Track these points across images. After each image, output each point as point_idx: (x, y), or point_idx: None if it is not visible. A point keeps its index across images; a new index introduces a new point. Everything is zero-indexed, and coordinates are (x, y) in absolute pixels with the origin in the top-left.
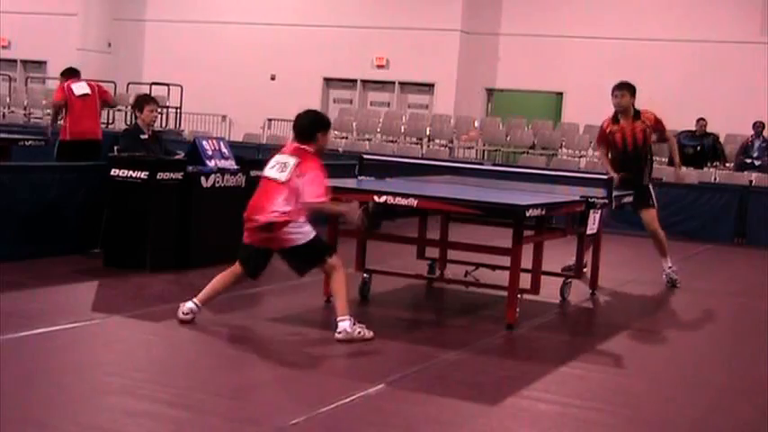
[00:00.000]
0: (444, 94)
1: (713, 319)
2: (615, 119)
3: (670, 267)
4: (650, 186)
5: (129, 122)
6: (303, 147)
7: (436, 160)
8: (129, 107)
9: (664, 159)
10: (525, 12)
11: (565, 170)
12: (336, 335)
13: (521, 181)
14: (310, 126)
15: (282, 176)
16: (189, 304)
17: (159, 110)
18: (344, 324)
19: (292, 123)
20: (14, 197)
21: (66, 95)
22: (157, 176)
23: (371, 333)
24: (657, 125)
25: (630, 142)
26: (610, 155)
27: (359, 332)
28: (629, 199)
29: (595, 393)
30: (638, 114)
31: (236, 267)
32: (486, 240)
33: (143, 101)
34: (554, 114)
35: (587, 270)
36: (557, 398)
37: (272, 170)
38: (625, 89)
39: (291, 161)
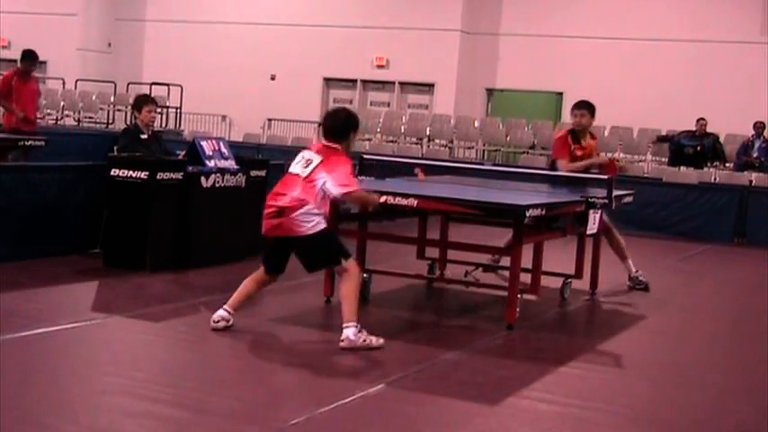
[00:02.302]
0: (444, 94)
1: (713, 319)
2: (574, 138)
3: (637, 271)
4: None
5: (128, 122)
6: (331, 145)
7: (436, 160)
8: (129, 107)
9: (664, 159)
10: (525, 12)
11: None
12: (340, 342)
13: (521, 181)
14: (343, 125)
15: (305, 172)
16: (220, 312)
17: (158, 110)
18: (348, 331)
19: (322, 121)
20: (14, 197)
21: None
22: (157, 176)
23: (381, 341)
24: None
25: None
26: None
27: (363, 340)
28: (628, 199)
29: (595, 393)
30: (591, 134)
31: (260, 272)
32: (486, 240)
33: (142, 101)
34: (554, 114)
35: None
36: (557, 398)
37: (297, 166)
38: (585, 108)
39: (316, 159)
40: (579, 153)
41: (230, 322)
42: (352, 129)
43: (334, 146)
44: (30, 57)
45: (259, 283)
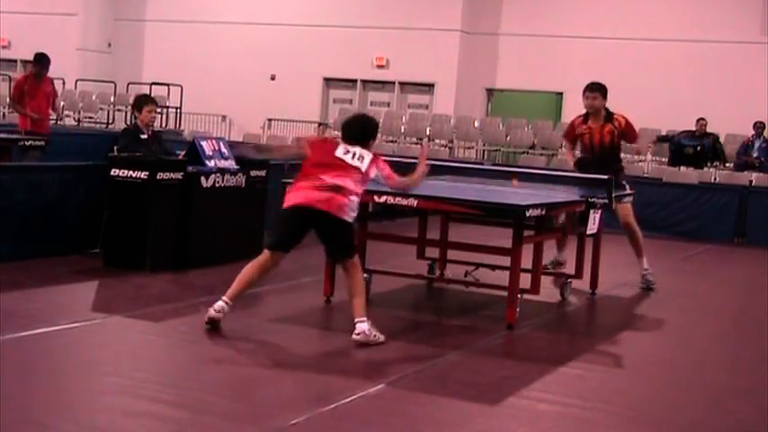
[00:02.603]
0: (444, 94)
1: (713, 320)
2: (585, 119)
3: (646, 270)
4: (624, 183)
5: (128, 122)
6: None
7: (436, 160)
8: (129, 107)
9: (664, 159)
10: (525, 12)
11: (565, 170)
12: (355, 336)
13: (520, 181)
14: (368, 131)
15: (362, 165)
16: (219, 302)
17: (158, 110)
18: (363, 326)
19: (344, 125)
20: (14, 197)
21: None
22: (157, 176)
23: (382, 337)
24: (628, 129)
25: (598, 145)
26: (579, 154)
27: (375, 335)
28: (629, 199)
29: (595, 393)
30: (609, 116)
31: (261, 256)
32: (486, 240)
33: (142, 101)
34: (554, 114)
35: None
36: (557, 398)
37: (347, 155)
38: (597, 91)
39: (367, 156)
40: (586, 136)
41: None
42: (373, 137)
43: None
44: (41, 60)
45: (262, 269)
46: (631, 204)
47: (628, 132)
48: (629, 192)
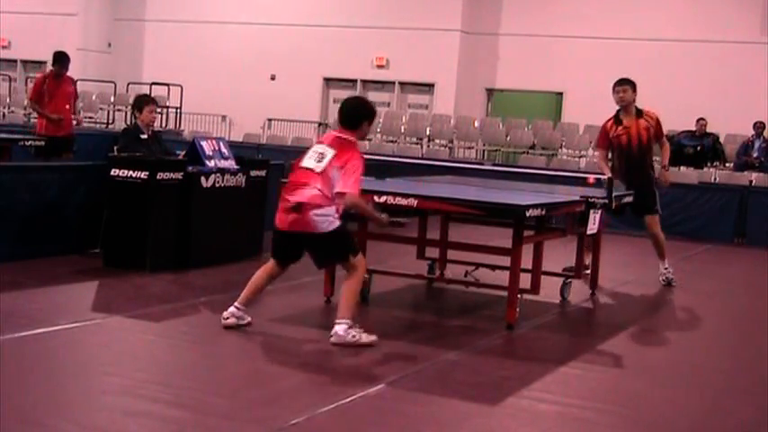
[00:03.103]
0: (444, 94)
1: (713, 320)
2: (617, 119)
3: (666, 269)
4: (657, 191)
5: (128, 122)
6: (344, 136)
7: (436, 160)
8: (129, 107)
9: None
10: (525, 12)
11: (565, 170)
12: (330, 337)
13: (521, 181)
14: (356, 113)
15: (319, 167)
16: (231, 308)
17: (158, 110)
18: (339, 327)
19: (338, 109)
20: (14, 197)
21: None
22: (157, 176)
23: (372, 338)
24: (659, 126)
25: (636, 143)
26: (613, 158)
27: (353, 336)
28: (628, 199)
29: (595, 393)
30: (640, 112)
31: (268, 263)
32: (486, 240)
33: (142, 101)
34: (554, 114)
35: (588, 271)
36: (557, 398)
37: (309, 160)
38: (627, 84)
39: (330, 152)
40: (623, 136)
41: (245, 320)
42: (365, 118)
43: (347, 137)
44: (59, 59)
45: (270, 275)
46: (657, 215)
47: (659, 129)
48: (629, 192)
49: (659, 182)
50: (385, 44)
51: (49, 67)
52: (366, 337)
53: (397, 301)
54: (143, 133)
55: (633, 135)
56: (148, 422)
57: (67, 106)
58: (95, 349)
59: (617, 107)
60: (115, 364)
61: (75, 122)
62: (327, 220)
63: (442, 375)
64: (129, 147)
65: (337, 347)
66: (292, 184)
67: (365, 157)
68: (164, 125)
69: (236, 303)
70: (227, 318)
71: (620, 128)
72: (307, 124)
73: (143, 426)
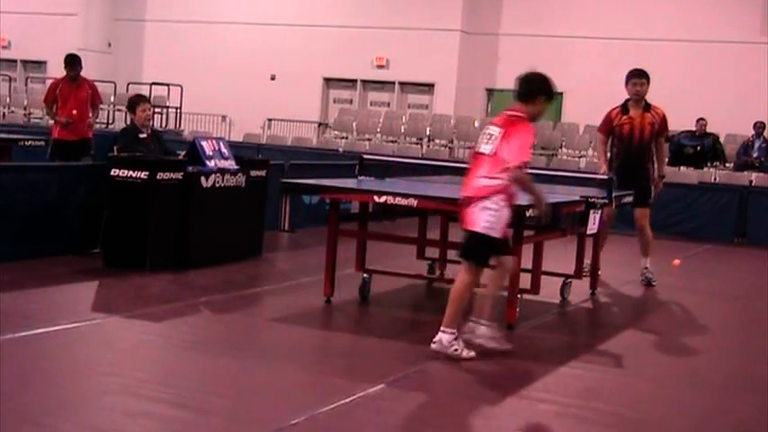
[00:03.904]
0: (444, 94)
1: (713, 319)
2: (624, 109)
3: (647, 268)
4: (652, 186)
5: (127, 123)
6: (514, 113)
7: (436, 160)
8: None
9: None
10: (525, 12)
11: (565, 170)
12: (432, 344)
13: None
14: (534, 85)
15: (488, 148)
16: (481, 329)
17: (158, 110)
18: (444, 336)
19: (516, 82)
20: (14, 197)
21: None
22: (157, 176)
23: (472, 353)
24: (664, 123)
25: (638, 136)
26: (613, 146)
27: (455, 349)
28: (628, 199)
29: (595, 393)
30: (648, 107)
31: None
32: None
33: (134, 101)
34: (554, 114)
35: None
36: (557, 398)
37: (482, 144)
38: (644, 78)
39: (497, 131)
40: (626, 126)
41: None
42: (542, 93)
43: (518, 113)
44: (67, 62)
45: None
46: (649, 209)
47: (664, 126)
48: (629, 192)
49: (653, 187)
50: (385, 44)
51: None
52: (466, 353)
53: (397, 301)
54: (141, 133)
55: (636, 127)
56: (148, 422)
57: (75, 111)
58: (95, 349)
59: (626, 98)
60: (115, 364)
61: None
62: (490, 221)
63: (442, 375)
64: (128, 147)
65: (339, 347)
66: (467, 175)
67: (366, 157)
68: (164, 125)
69: (472, 318)
70: (481, 336)
71: (625, 117)
72: (307, 124)
73: (143, 426)
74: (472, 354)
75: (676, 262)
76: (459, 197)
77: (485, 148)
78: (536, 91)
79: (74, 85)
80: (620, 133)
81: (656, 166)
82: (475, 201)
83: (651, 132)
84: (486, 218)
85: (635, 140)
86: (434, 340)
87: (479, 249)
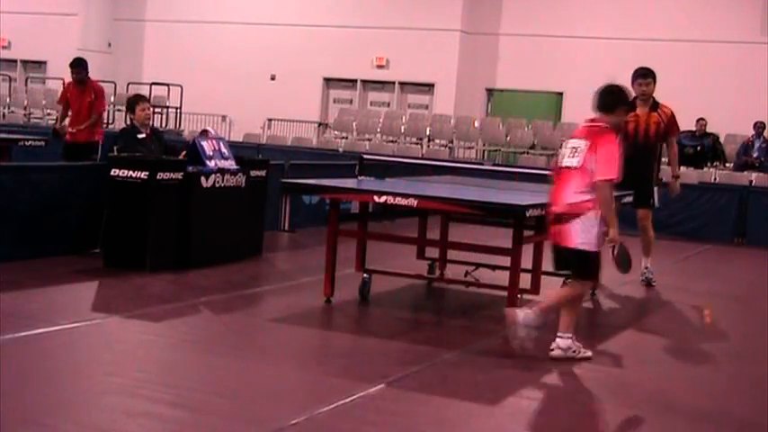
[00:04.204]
0: (444, 94)
1: (713, 319)
2: (631, 106)
3: (647, 268)
4: (655, 187)
5: (127, 123)
6: (595, 124)
7: (436, 160)
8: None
9: (664, 159)
10: (525, 12)
11: None
12: (550, 351)
13: (521, 181)
14: (613, 97)
15: (574, 162)
16: (563, 343)
17: (151, 108)
18: (562, 341)
19: (595, 95)
20: (14, 197)
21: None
22: (157, 176)
23: (588, 353)
24: (671, 122)
25: (643, 134)
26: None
27: (573, 351)
28: (628, 199)
29: (595, 393)
30: (655, 105)
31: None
32: (486, 240)
33: (133, 101)
34: (554, 114)
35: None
36: (557, 398)
37: (566, 158)
38: (650, 77)
39: (581, 143)
40: (631, 123)
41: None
42: (621, 104)
43: (599, 124)
44: (72, 64)
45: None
46: (650, 210)
47: (672, 125)
48: (629, 192)
49: (670, 188)
50: (385, 44)
51: None
52: (583, 352)
53: (397, 301)
54: (141, 133)
55: (641, 126)
56: (148, 422)
57: (69, 114)
58: (95, 349)
59: (635, 96)
60: (115, 364)
61: (84, 126)
62: (589, 237)
63: (442, 375)
64: (127, 147)
65: (338, 347)
66: (553, 192)
67: (366, 157)
68: (164, 125)
69: (560, 334)
70: (566, 349)
71: (631, 114)
72: (307, 124)
73: (143, 426)
74: (588, 353)
75: (707, 314)
76: (550, 213)
77: (570, 161)
78: (617, 101)
79: (81, 88)
80: (624, 130)
81: (659, 167)
82: (569, 218)
83: (657, 132)
84: (584, 233)
85: (639, 139)
86: (552, 347)
87: (586, 266)
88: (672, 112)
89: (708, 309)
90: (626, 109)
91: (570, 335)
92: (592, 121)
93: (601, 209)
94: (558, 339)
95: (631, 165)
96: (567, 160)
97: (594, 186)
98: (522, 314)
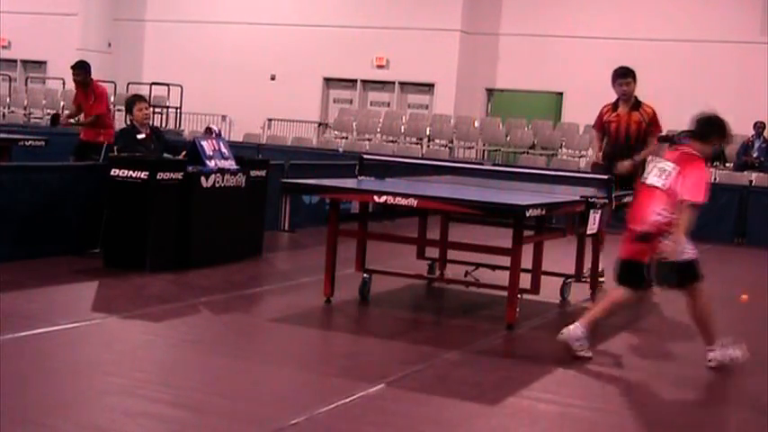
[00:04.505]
0: (444, 94)
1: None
2: (615, 106)
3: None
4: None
5: (127, 123)
6: (688, 150)
7: (436, 160)
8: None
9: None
10: (525, 12)
11: (565, 170)
12: (708, 362)
13: (521, 181)
14: (710, 126)
15: (661, 182)
16: (575, 331)
17: (149, 107)
18: (713, 354)
19: (693, 121)
20: (14, 197)
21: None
22: (157, 176)
23: (738, 352)
24: (654, 121)
25: (623, 134)
26: (605, 142)
27: (580, 345)
28: (629, 199)
29: (595, 393)
30: (637, 105)
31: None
32: (486, 240)
33: (131, 101)
34: (554, 114)
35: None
36: (556, 398)
37: (652, 177)
38: (630, 77)
39: (671, 166)
40: (614, 124)
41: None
42: (717, 134)
43: (691, 150)
44: (74, 66)
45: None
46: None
47: (653, 124)
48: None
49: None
50: (385, 44)
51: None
52: (584, 352)
53: (397, 301)
54: (140, 132)
55: (622, 125)
56: (148, 422)
57: (77, 116)
58: (95, 349)
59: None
60: (115, 364)
61: (74, 125)
62: (680, 244)
63: (442, 375)
64: (127, 147)
65: (338, 347)
66: (637, 207)
67: (366, 157)
68: (164, 125)
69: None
70: (578, 341)
71: (613, 114)
72: (307, 124)
73: (143, 426)
74: (589, 354)
75: (744, 298)
76: (632, 231)
77: (657, 181)
78: (712, 133)
79: (84, 90)
80: (608, 130)
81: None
82: (654, 236)
83: (638, 131)
84: (679, 245)
85: (621, 138)
86: (709, 358)
87: (694, 272)
88: (654, 111)
89: (745, 294)
90: (721, 139)
91: (585, 330)
92: (684, 147)
93: (682, 227)
94: (572, 326)
95: (614, 163)
96: (654, 179)
97: (680, 206)
98: (569, 332)
